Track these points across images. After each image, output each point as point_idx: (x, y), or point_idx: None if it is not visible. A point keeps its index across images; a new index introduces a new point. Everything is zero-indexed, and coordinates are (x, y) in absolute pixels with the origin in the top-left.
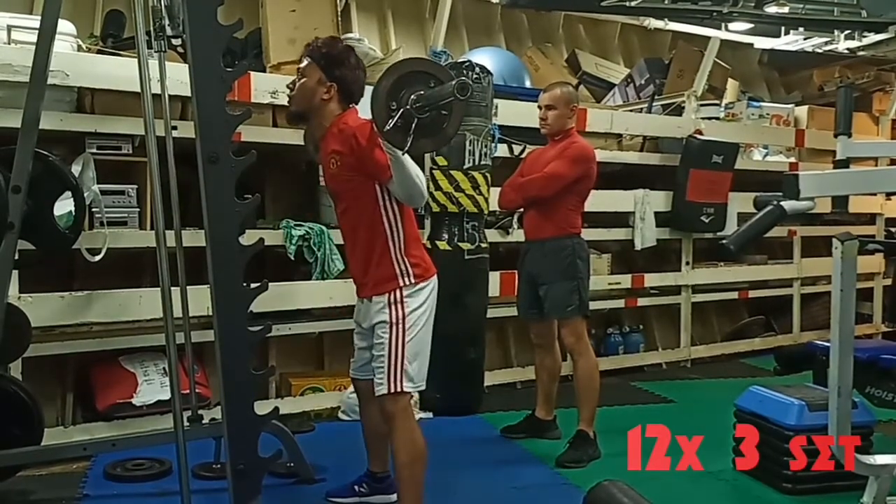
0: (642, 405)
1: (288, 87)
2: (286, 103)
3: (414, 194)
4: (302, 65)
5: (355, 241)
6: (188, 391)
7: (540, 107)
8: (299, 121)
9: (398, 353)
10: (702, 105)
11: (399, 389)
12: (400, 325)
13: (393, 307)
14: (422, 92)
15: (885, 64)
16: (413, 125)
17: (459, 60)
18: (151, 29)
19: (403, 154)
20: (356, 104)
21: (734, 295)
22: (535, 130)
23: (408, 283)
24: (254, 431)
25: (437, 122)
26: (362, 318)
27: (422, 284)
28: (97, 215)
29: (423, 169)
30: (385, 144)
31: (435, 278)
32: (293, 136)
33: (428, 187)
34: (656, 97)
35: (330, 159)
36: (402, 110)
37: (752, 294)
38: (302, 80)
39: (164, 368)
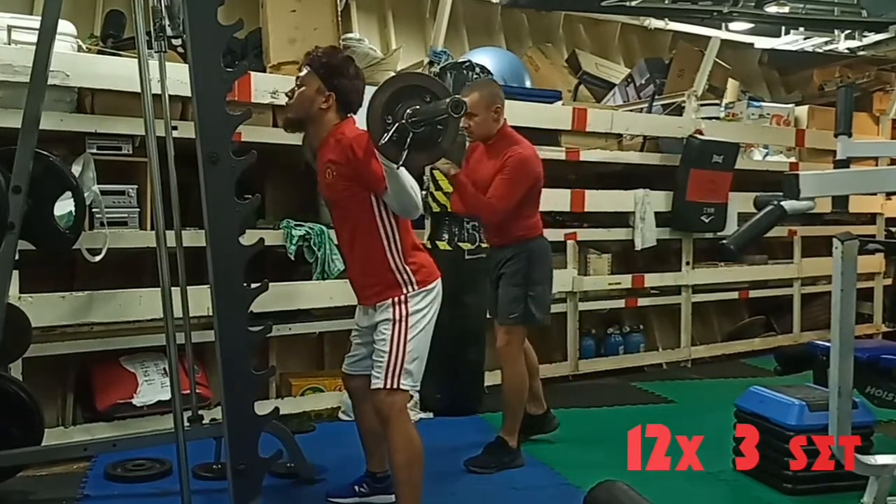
0: (642, 405)
1: (286, 94)
2: (285, 106)
3: (408, 207)
4: (301, 73)
5: (352, 249)
6: (188, 391)
7: None
8: (297, 128)
9: (400, 350)
10: (702, 105)
11: (396, 386)
12: (403, 323)
13: (396, 307)
14: (417, 107)
15: (886, 64)
16: (408, 139)
17: (459, 60)
18: (151, 29)
19: (398, 168)
20: (354, 114)
21: (734, 295)
22: (536, 131)
23: (411, 290)
24: (254, 431)
25: (432, 137)
26: (364, 321)
27: (426, 288)
28: (97, 215)
29: (421, 181)
30: (380, 157)
31: (439, 282)
32: (293, 137)
33: (428, 187)
34: (657, 97)
35: (326, 169)
36: (397, 124)
37: (753, 294)
38: (301, 89)
39: (164, 369)
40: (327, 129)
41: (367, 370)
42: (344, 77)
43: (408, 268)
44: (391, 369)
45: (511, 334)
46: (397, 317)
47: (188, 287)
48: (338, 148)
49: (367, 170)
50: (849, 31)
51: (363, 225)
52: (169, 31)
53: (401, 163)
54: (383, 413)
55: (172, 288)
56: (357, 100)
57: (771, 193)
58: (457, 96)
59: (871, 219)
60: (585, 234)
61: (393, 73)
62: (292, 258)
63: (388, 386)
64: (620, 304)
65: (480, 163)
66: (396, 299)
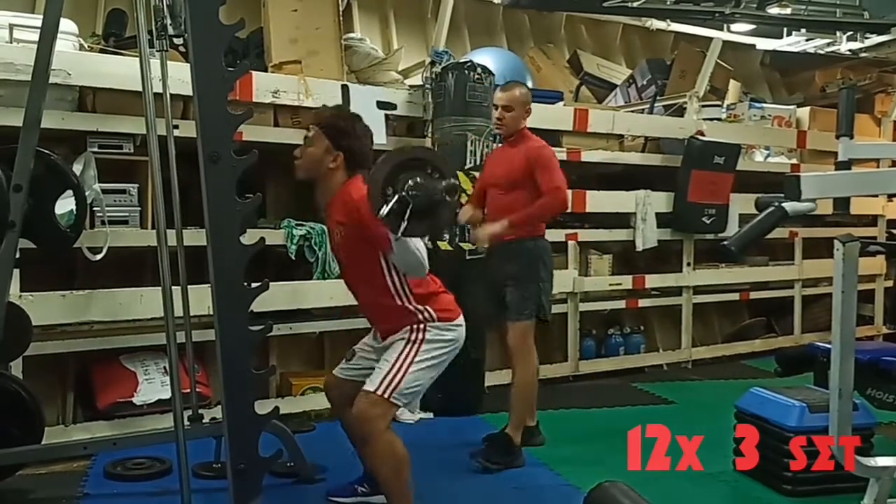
0: (643, 406)
1: (295, 154)
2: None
3: (415, 267)
4: (309, 133)
5: (361, 295)
6: (189, 390)
7: (496, 106)
8: (308, 183)
9: (404, 368)
10: (703, 106)
11: (387, 396)
12: (416, 346)
13: (414, 332)
14: (418, 179)
15: (888, 65)
16: (408, 211)
17: (461, 60)
18: (153, 28)
19: (398, 239)
20: (363, 169)
21: (735, 296)
22: (538, 131)
23: (431, 322)
24: (254, 431)
25: (431, 209)
26: (376, 342)
27: (448, 324)
28: (98, 214)
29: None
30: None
31: (462, 326)
32: (294, 136)
33: None
34: (658, 98)
35: (335, 230)
36: (397, 196)
37: (753, 295)
38: (309, 149)
39: (164, 367)
40: (335, 187)
41: (360, 377)
42: (351, 137)
43: (427, 307)
44: (389, 381)
45: (521, 329)
46: (412, 338)
47: (189, 286)
48: (345, 210)
49: (373, 231)
50: (851, 32)
51: (375, 280)
52: (170, 31)
53: (400, 233)
54: (364, 416)
55: (173, 287)
56: (364, 157)
57: (772, 195)
58: (452, 181)
59: (872, 220)
60: (586, 234)
61: (395, 72)
62: (293, 258)
63: (380, 394)
64: (621, 304)
65: (500, 158)
66: (415, 326)
